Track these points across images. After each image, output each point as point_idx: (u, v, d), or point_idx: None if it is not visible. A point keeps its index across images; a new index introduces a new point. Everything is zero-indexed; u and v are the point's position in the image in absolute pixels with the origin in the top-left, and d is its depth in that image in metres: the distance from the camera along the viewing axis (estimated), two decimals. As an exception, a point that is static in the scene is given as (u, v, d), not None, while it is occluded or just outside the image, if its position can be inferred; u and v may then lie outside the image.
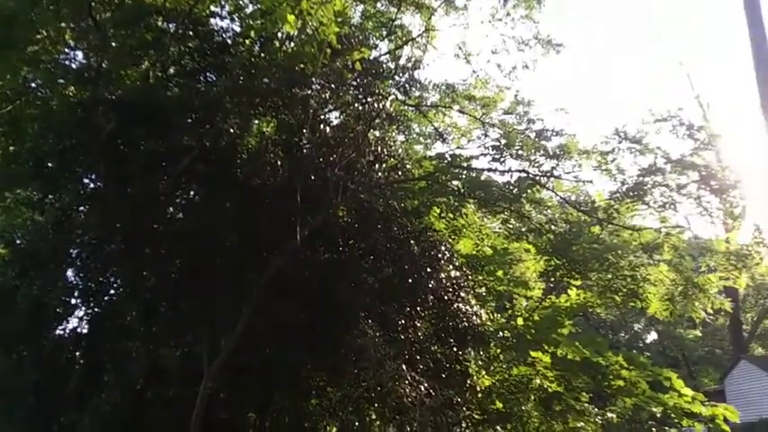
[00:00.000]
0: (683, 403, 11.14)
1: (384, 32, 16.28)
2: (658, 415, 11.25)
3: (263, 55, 11.38)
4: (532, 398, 11.77)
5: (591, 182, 12.18)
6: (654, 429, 11.84)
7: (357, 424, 9.22)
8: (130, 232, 8.51)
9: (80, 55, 11.62)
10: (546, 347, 11.56)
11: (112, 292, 8.92)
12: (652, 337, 46.67)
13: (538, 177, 12.12)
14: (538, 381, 11.72)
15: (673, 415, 11.29)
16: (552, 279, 12.96)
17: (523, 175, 11.96)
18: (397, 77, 15.60)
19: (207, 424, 7.57)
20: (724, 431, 11.05)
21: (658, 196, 11.48)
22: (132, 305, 8.51)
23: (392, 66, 15.81)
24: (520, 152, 12.19)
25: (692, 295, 12.16)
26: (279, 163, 9.77)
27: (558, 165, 12.00)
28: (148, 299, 8.24)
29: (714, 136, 12.96)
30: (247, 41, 11.68)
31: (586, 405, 11.86)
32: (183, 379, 7.62)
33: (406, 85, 16.11)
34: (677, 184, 11.37)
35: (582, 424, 11.72)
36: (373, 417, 9.39)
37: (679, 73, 48.29)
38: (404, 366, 8.34)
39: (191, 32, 11.01)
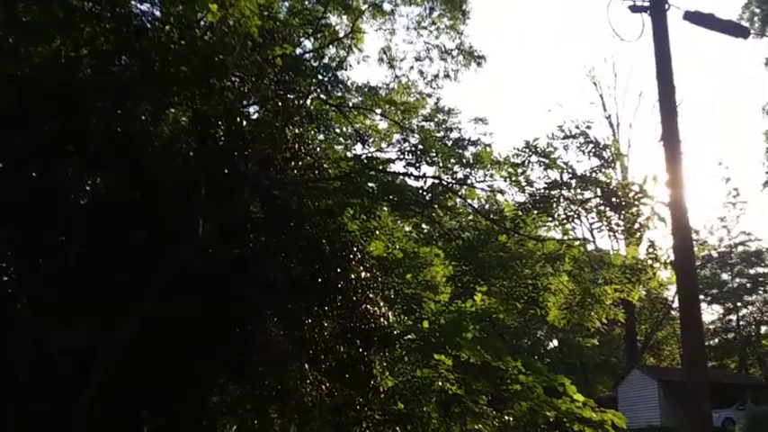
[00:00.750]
0: (575, 408, 11.66)
1: (310, 30, 16.23)
2: (551, 419, 11.70)
3: (182, 42, 11.12)
4: (434, 400, 12.02)
5: (501, 192, 12.61)
6: (547, 433, 12.31)
7: (257, 422, 9.15)
8: (27, 216, 8.12)
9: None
10: (449, 351, 11.84)
11: (4, 278, 8.50)
12: (554, 343, 48.51)
13: (451, 184, 12.43)
14: (440, 383, 11.99)
15: (565, 419, 11.78)
16: (459, 284, 13.29)
17: (437, 181, 12.24)
18: (320, 76, 15.60)
19: (95, 418, 7.32)
20: (611, 436, 11.65)
21: (563, 209, 12.01)
22: (23, 293, 8.14)
23: (315, 64, 15.81)
24: (435, 159, 12.47)
25: (588, 305, 12.76)
26: (191, 154, 9.56)
27: (471, 173, 12.35)
28: (41, 287, 7.89)
29: (619, 154, 13.63)
30: (167, 27, 11.40)
31: (485, 408, 12.22)
32: (74, 372, 7.34)
33: (329, 85, 16.15)
34: (581, 199, 11.93)
35: (479, 426, 12.07)
36: (274, 416, 9.34)
37: (591, 90, 50.34)
38: (306, 365, 8.36)
39: (107, 13, 10.60)
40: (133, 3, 11.73)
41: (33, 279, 8.13)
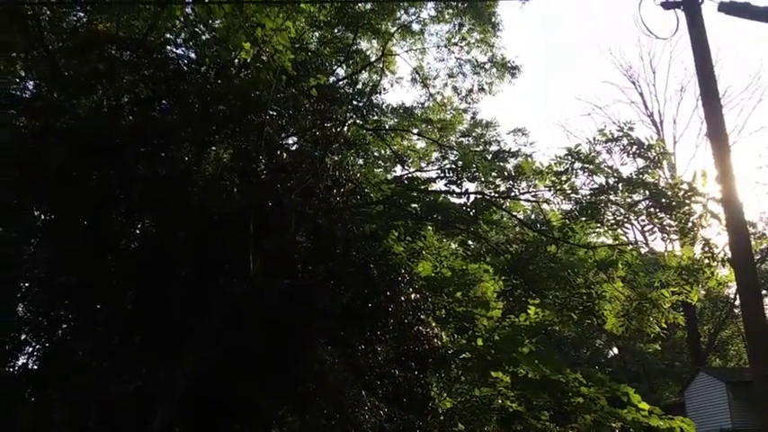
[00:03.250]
0: (641, 417, 11.32)
1: (341, 58, 16.47)
2: (617, 430, 11.39)
3: (218, 82, 11.39)
4: (494, 418, 11.83)
5: (547, 202, 12.43)
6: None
7: (318, 452, 9.13)
8: (82, 265, 8.35)
9: (31, 85, 11.47)
10: (506, 367, 11.66)
11: (64, 326, 8.72)
12: (614, 352, 47.30)
13: (494, 198, 12.32)
14: (499, 401, 11.81)
15: (632, 429, 11.45)
16: (511, 298, 13.11)
17: (480, 196, 12.14)
18: (354, 102, 15.76)
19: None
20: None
21: (611, 214, 11.77)
22: (84, 339, 8.34)
23: (350, 90, 15.99)
24: (476, 174, 12.39)
25: (646, 310, 12.42)
26: (235, 190, 9.73)
27: (513, 185, 12.22)
28: (101, 332, 8.08)
29: (665, 153, 13.35)
30: (203, 69, 11.70)
31: (547, 423, 11.98)
32: (137, 414, 7.46)
33: (365, 110, 16.29)
34: (629, 203, 11.67)
35: (544, 442, 11.83)
36: (335, 444, 9.31)
37: (631, 90, 49.47)
38: (363, 392, 8.32)
39: (145, 60, 10.94)
40: (169, 48, 12.14)
41: (92, 325, 8.33)
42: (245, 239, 8.92)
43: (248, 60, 10.91)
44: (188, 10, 11.98)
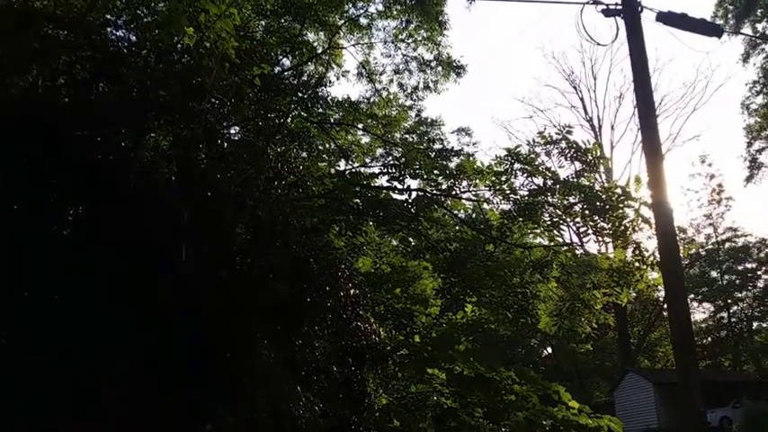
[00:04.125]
0: (571, 416, 11.61)
1: (287, 48, 16.27)
2: (548, 429, 11.64)
3: (159, 66, 11.09)
4: (429, 415, 11.93)
5: (486, 201, 12.63)
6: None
7: (251, 447, 9.01)
8: (8, 251, 8.01)
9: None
10: (442, 364, 11.77)
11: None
12: (547, 351, 48.50)
13: (436, 196, 12.43)
14: (434, 398, 11.90)
15: (561, 427, 11.72)
16: (449, 296, 13.26)
17: (422, 193, 12.23)
18: (299, 93, 15.62)
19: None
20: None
21: (548, 215, 12.03)
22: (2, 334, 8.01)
23: (295, 82, 15.84)
24: (419, 171, 12.48)
25: (578, 311, 12.76)
26: (173, 178, 9.48)
27: (455, 184, 12.36)
28: (22, 326, 7.76)
29: (602, 157, 13.71)
30: (143, 52, 11.36)
31: (481, 420, 12.14)
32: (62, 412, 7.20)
33: (309, 102, 16.19)
34: (565, 204, 11.96)
35: (475, 439, 11.98)
36: (268, 439, 9.21)
37: (572, 94, 50.64)
38: (299, 387, 8.25)
39: (83, 41, 10.55)
40: (109, 29, 11.74)
41: (15, 317, 7.99)
42: (181, 231, 8.72)
43: (191, 46, 10.67)
44: (130, -10, 11.65)
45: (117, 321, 7.70)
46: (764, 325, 48.42)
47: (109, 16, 12.11)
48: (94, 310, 7.69)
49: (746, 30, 29.15)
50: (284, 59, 16.16)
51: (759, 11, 28.33)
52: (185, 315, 7.92)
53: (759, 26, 29.08)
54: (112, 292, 7.79)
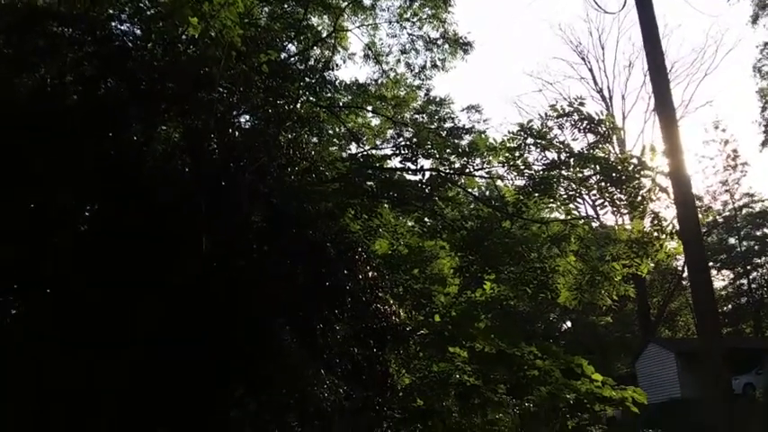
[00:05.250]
0: (595, 388, 11.62)
1: (292, 33, 16.18)
2: (572, 402, 11.66)
3: (166, 59, 11.07)
4: (452, 393, 11.97)
5: (501, 178, 12.55)
6: (568, 416, 12.26)
7: (277, 431, 9.10)
8: (30, 245, 8.09)
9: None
10: (464, 342, 11.79)
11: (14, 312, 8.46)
12: (567, 325, 48.43)
13: (449, 175, 12.37)
14: (456, 376, 11.94)
15: (585, 400, 11.74)
16: (467, 274, 13.24)
17: (435, 173, 12.18)
18: (307, 78, 15.55)
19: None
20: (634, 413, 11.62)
21: (564, 189, 11.94)
22: (23, 323, 8.10)
23: (302, 67, 15.76)
24: (431, 151, 12.42)
25: (598, 283, 12.70)
26: (186, 170, 9.51)
27: (468, 162, 12.29)
28: (44, 317, 7.84)
29: (615, 128, 13.57)
30: (149, 45, 11.34)
31: (504, 396, 12.18)
32: (84, 403, 7.28)
33: (317, 87, 16.10)
34: (580, 177, 11.85)
35: (500, 415, 12.01)
36: (294, 424, 9.29)
37: (581, 65, 49.95)
38: (322, 371, 8.29)
39: (88, 37, 10.54)
40: (113, 24, 11.73)
41: (36, 309, 8.08)
42: (198, 221, 8.75)
43: (196, 36, 10.63)
44: (133, -17, 11.60)
45: (135, 311, 7.78)
46: (785, 290, 48.11)
47: (112, 11, 12.08)
48: (115, 302, 7.76)
49: (755, -11, 28.57)
50: (290, 45, 16.07)
51: (768, -30, 27.80)
52: (208, 304, 7.97)
53: (767, -14, 28.50)
54: (133, 284, 7.85)
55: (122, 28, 11.49)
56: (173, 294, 7.92)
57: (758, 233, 47.63)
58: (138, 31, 11.84)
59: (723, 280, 49.27)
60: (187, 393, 7.82)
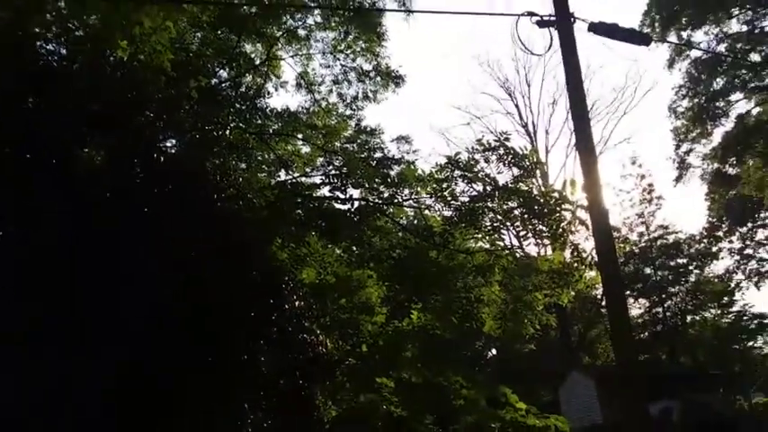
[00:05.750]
0: (519, 417, 11.82)
1: (224, 60, 16.06)
2: (497, 430, 11.82)
3: (92, 81, 10.79)
4: (380, 424, 11.93)
5: (428, 208, 12.75)
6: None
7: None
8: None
9: None
10: (390, 372, 11.81)
11: None
12: (493, 353, 49.07)
13: (378, 205, 12.48)
14: (384, 406, 11.91)
15: (510, 429, 11.93)
16: (394, 303, 13.31)
17: (364, 202, 12.26)
18: (237, 105, 15.43)
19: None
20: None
21: (488, 220, 12.23)
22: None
23: (233, 93, 15.64)
24: (361, 180, 12.51)
25: (521, 312, 12.99)
26: (107, 195, 9.24)
27: (397, 192, 12.44)
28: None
29: (538, 162, 14.02)
30: (74, 66, 11.04)
31: (431, 426, 12.22)
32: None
33: (248, 113, 16.00)
34: (504, 209, 12.18)
35: (426, 445, 12.05)
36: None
37: (507, 100, 51.54)
38: (246, 405, 8.14)
39: (11, 55, 10.18)
40: (38, 43, 11.36)
41: None
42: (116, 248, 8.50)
43: (124, 59, 10.43)
44: (60, 3, 11.29)
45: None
46: (697, 318, 50.28)
47: (37, 29, 11.72)
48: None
49: (672, 37, 30.24)
50: (221, 71, 15.96)
51: (683, 19, 29.46)
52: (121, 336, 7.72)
53: (684, 33, 30.20)
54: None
55: (48, 47, 11.14)
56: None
57: (672, 263, 49.76)
58: (64, 51, 11.52)
59: (639, 308, 51.11)
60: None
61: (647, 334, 51.47)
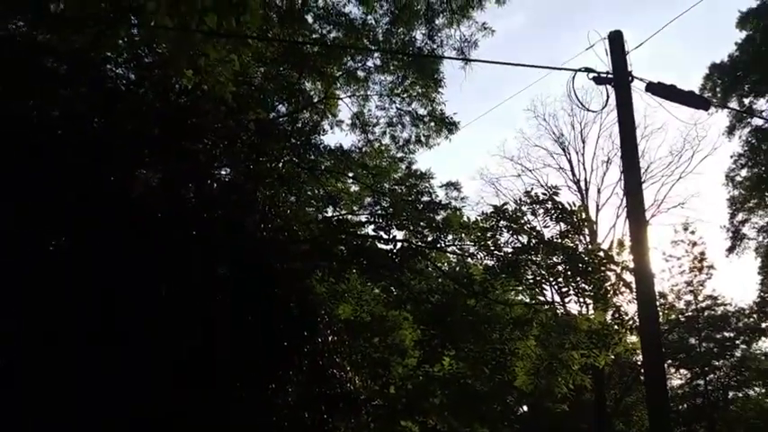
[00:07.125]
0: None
1: (284, 95, 16.53)
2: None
3: (156, 106, 11.27)
4: (401, 468, 11.81)
5: (471, 256, 12.75)
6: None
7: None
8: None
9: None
10: (416, 417, 11.71)
11: None
12: (524, 409, 47.89)
13: (420, 248, 12.55)
14: (407, 450, 11.81)
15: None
16: (427, 348, 13.25)
17: (406, 245, 12.35)
18: (293, 140, 15.82)
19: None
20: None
21: (530, 274, 12.16)
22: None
23: (289, 128, 16.05)
24: (405, 222, 12.62)
25: (555, 370, 12.76)
26: (159, 215, 9.57)
27: (440, 237, 12.50)
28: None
29: (587, 220, 13.92)
30: (141, 90, 11.55)
31: (453, 477, 12.03)
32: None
33: (302, 148, 16.37)
34: (548, 264, 12.10)
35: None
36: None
37: (561, 155, 51.32)
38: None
39: (82, 77, 10.75)
40: (109, 66, 11.95)
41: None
42: (162, 269, 8.76)
43: (188, 87, 10.87)
44: (134, 31, 11.86)
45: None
46: (740, 395, 48.29)
47: (109, 54, 12.33)
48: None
49: (733, 104, 29.67)
50: (280, 106, 16.40)
51: (746, 86, 28.92)
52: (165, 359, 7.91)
53: (746, 100, 29.57)
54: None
55: (117, 71, 11.70)
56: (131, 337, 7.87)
57: (718, 336, 48.10)
58: (132, 76, 12.08)
59: (680, 378, 49.37)
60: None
61: (685, 406, 49.66)
